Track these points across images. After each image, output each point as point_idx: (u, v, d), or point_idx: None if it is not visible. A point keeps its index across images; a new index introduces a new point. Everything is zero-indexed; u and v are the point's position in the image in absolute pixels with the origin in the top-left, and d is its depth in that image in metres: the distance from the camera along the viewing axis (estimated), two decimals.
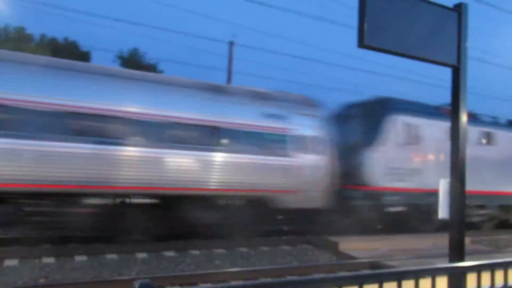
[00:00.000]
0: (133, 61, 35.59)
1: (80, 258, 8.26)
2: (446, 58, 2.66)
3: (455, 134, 2.65)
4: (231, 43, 22.31)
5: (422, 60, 2.65)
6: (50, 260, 8.02)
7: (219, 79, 17.25)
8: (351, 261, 8.71)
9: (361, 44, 2.47)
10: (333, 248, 9.93)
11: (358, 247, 10.02)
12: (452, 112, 2.71)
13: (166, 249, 9.33)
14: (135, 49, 37.41)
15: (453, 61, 2.64)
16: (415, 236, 11.91)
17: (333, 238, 10.48)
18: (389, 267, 8.39)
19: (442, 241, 11.48)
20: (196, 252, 9.31)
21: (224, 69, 21.75)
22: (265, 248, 9.99)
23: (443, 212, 3.24)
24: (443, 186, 3.14)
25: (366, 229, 12.62)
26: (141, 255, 8.75)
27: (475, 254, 9.97)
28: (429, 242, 11.14)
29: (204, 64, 23.16)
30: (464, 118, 2.55)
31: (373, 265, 8.62)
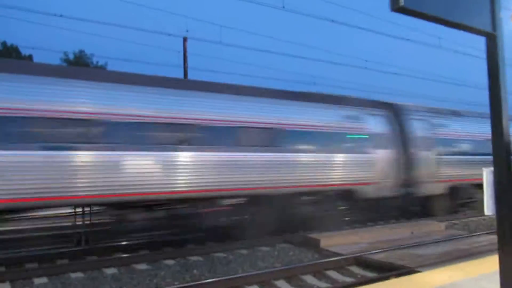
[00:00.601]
0: (79, 63, 33.88)
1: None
2: (480, 24, 2.13)
3: (496, 115, 2.05)
4: (184, 39, 21.50)
5: (457, 27, 2.09)
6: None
7: (175, 75, 16.39)
8: (336, 258, 8.33)
9: (396, 6, 2.01)
10: (314, 246, 9.54)
11: (339, 242, 9.69)
12: (490, 89, 2.14)
13: (136, 262, 8.58)
14: (81, 51, 35.65)
15: (488, 28, 2.08)
16: (391, 227, 11.78)
17: (312, 235, 10.11)
18: (375, 261, 8.11)
19: (419, 228, 11.49)
20: (171, 262, 8.62)
21: (180, 65, 20.89)
22: (244, 252, 9.44)
23: (488, 207, 2.65)
24: (486, 177, 2.57)
25: (342, 223, 12.52)
26: (110, 271, 7.94)
27: (458, 239, 9.96)
28: (407, 231, 11.02)
29: (160, 62, 22.05)
30: (504, 96, 2.01)
31: (358, 261, 8.31)
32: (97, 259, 8.97)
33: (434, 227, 11.72)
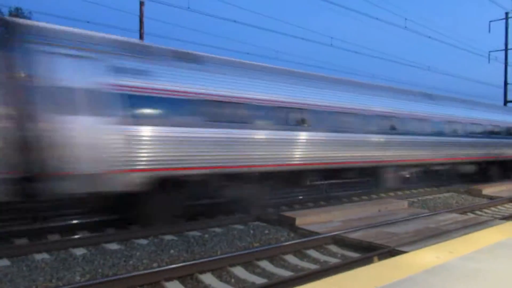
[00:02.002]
0: None
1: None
2: None
3: None
4: (141, 3, 20.32)
5: None
6: None
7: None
8: (315, 237, 8.31)
9: None
10: (289, 224, 9.48)
11: (313, 220, 9.70)
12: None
13: (106, 241, 8.08)
14: (18, 9, 32.71)
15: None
16: (360, 204, 12.00)
17: (287, 213, 10.06)
18: (352, 239, 8.19)
19: (385, 206, 11.80)
20: (144, 241, 8.20)
21: (132, 30, 19.73)
22: (218, 230, 9.20)
23: None
24: None
25: (316, 199, 12.76)
26: (79, 252, 7.41)
27: (423, 217, 10.28)
28: (374, 209, 11.27)
29: (109, 23, 20.77)
30: None
31: (336, 239, 8.36)
32: (61, 239, 8.37)
33: (398, 205, 12.08)
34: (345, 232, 8.61)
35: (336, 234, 8.48)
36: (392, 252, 7.07)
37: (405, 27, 18.17)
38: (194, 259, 6.94)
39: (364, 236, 8.33)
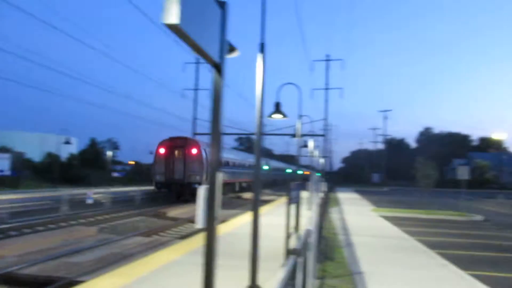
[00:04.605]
0: None
1: None
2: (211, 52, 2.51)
3: (215, 138, 2.61)
4: None
5: (195, 49, 2.27)
6: None
7: None
8: None
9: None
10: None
11: None
12: (212, 113, 2.64)
13: None
14: None
15: (216, 58, 2.55)
16: (43, 235, 10.94)
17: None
18: (28, 276, 7.31)
19: (71, 234, 11.21)
20: None
21: None
22: None
23: (200, 221, 3.12)
24: (202, 193, 3.05)
25: None
26: None
27: (110, 243, 10.25)
28: (59, 239, 10.53)
29: None
30: (221, 120, 2.53)
31: (6, 278, 7.25)
32: None
33: (86, 232, 11.73)
34: (19, 269, 7.60)
35: (5, 272, 7.36)
36: (72, 283, 6.69)
37: (105, 53, 18.36)
38: None
39: (41, 270, 7.58)
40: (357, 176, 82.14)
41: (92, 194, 18.40)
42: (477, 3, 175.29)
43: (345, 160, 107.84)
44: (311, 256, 3.73)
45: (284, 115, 9.66)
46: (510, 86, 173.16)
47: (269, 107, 9.59)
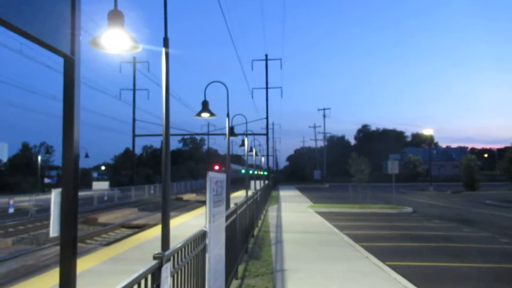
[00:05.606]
0: None
1: None
2: (60, 45, 2.28)
3: (69, 136, 2.33)
4: None
5: (37, 42, 2.11)
6: None
7: None
8: None
9: None
10: None
11: None
12: (64, 109, 2.37)
13: None
14: None
15: (67, 50, 2.30)
16: None
17: None
18: None
19: None
20: None
21: None
22: None
23: (54, 228, 2.78)
24: (55, 198, 2.72)
25: None
26: None
27: (25, 254, 9.50)
28: None
29: None
30: (77, 117, 2.28)
31: None
32: None
33: (0, 244, 10.81)
34: None
35: None
36: None
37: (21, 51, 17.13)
38: None
39: None
40: (301, 174, 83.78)
41: (13, 202, 17.06)
42: (405, 11, 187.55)
43: (290, 159, 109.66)
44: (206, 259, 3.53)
45: (212, 114, 9.40)
46: (437, 84, 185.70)
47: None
